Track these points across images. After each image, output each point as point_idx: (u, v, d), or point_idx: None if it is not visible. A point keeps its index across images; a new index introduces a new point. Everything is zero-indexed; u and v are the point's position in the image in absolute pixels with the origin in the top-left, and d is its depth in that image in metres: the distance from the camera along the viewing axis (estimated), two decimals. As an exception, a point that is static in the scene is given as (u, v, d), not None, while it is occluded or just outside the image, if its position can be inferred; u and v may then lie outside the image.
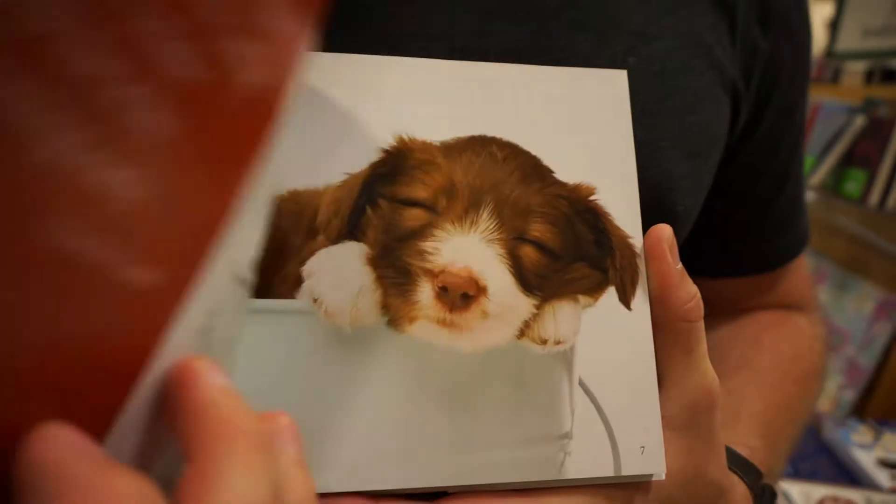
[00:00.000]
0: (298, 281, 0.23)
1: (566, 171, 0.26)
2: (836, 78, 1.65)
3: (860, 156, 1.22)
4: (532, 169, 0.26)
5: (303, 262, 0.24)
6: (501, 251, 0.24)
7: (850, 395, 1.26)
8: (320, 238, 0.24)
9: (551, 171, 0.26)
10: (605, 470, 0.24)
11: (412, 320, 0.23)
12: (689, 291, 0.28)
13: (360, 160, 0.25)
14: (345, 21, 0.29)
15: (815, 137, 1.37)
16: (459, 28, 0.31)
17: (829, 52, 1.58)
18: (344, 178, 0.25)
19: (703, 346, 0.29)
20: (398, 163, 0.25)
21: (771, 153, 0.46)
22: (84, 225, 0.13)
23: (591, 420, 0.25)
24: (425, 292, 0.23)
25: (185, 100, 0.14)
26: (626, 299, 0.26)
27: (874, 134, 1.19)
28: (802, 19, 0.44)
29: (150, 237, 0.15)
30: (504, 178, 0.25)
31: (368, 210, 0.25)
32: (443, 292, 0.23)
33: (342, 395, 0.23)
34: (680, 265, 0.28)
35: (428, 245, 0.24)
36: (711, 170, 0.40)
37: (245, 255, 0.19)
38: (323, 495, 0.22)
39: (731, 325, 0.52)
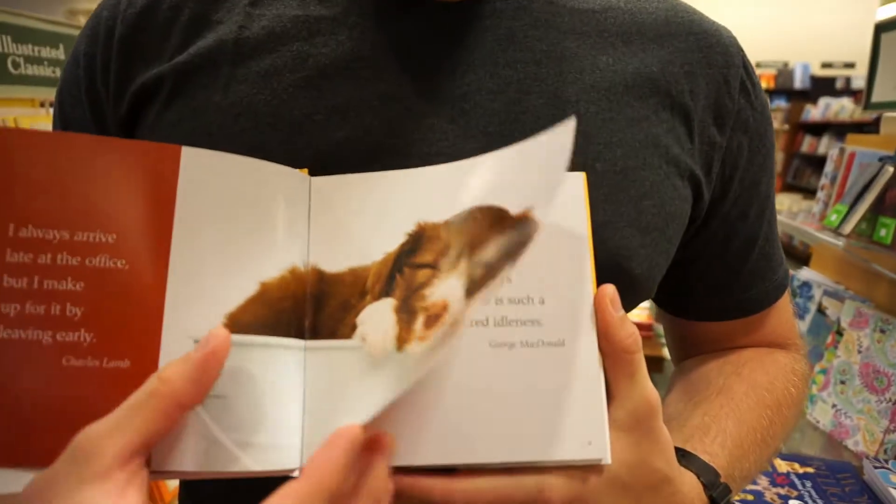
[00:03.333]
0: (355, 327, 0.36)
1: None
2: (877, 128, 1.69)
3: (890, 203, 1.27)
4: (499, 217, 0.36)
5: (357, 315, 0.36)
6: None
7: (895, 438, 1.27)
8: (368, 297, 0.37)
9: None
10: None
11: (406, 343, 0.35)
12: (627, 331, 0.36)
13: (393, 242, 0.38)
14: (393, 147, 0.44)
15: (850, 186, 1.42)
16: (468, 147, 0.44)
17: (866, 105, 1.63)
18: (384, 255, 0.38)
19: (643, 369, 0.37)
20: (417, 241, 0.38)
21: (739, 219, 0.55)
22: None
23: None
24: (419, 322, 0.35)
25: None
26: None
27: (902, 183, 1.24)
28: (756, 111, 0.53)
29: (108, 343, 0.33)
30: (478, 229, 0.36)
31: (397, 276, 0.37)
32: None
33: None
34: (621, 312, 0.38)
35: (427, 291, 0.36)
36: (671, 240, 0.50)
37: (200, 326, 0.33)
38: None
39: (719, 359, 0.60)
